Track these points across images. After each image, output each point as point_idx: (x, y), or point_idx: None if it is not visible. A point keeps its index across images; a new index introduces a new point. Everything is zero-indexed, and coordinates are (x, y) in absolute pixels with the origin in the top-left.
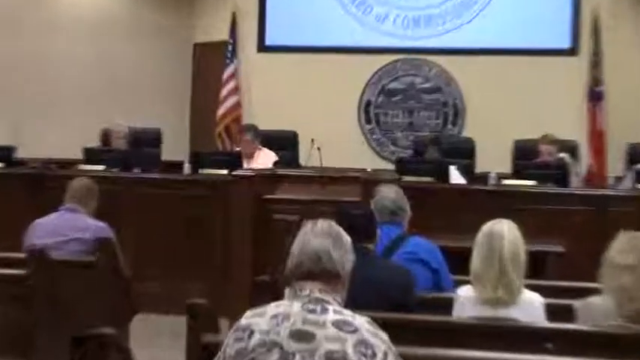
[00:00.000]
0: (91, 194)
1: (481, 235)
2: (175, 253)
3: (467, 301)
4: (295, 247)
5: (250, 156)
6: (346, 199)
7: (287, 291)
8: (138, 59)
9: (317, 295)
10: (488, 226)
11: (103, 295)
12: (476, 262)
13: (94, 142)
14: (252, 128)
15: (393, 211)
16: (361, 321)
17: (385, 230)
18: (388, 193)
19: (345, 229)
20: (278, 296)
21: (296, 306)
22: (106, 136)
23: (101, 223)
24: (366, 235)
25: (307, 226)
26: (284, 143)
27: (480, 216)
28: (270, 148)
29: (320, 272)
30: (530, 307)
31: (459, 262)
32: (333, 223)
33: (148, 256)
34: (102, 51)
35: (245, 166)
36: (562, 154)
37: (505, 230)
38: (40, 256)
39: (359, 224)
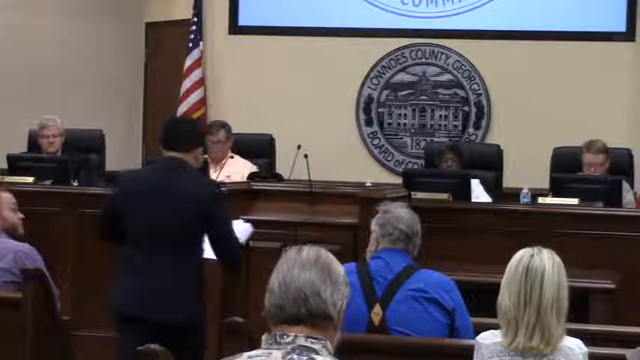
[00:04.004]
0: (2, 205)
1: (514, 268)
2: None
3: (490, 350)
4: (274, 283)
5: (219, 161)
6: (339, 220)
7: (265, 336)
8: (74, 42)
9: (302, 342)
10: (524, 258)
11: (31, 344)
12: (506, 302)
13: (21, 147)
14: (224, 125)
15: (408, 235)
16: None
17: (386, 259)
18: (402, 215)
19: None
20: (253, 342)
21: (276, 356)
22: (35, 139)
23: (24, 245)
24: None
25: (290, 255)
26: (257, 150)
27: (509, 243)
28: (242, 157)
29: (307, 315)
30: (569, 357)
31: (482, 301)
32: (322, 250)
33: (90, 295)
34: (28, 32)
35: (212, 176)
36: None
37: (547, 266)
38: None
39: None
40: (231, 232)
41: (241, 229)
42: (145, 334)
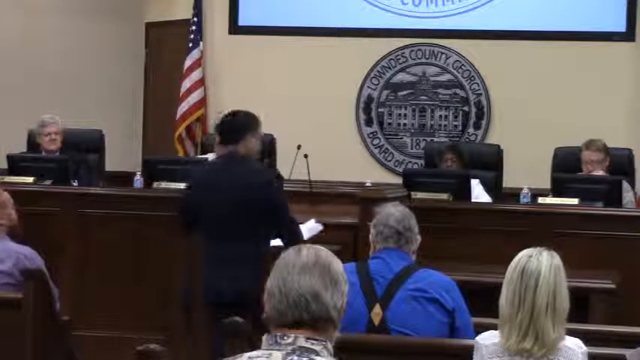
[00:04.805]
0: (4, 206)
1: (511, 269)
2: (126, 290)
3: (489, 351)
4: (274, 286)
5: None
6: (339, 220)
7: (265, 337)
8: (75, 42)
9: (303, 343)
10: (522, 260)
11: (31, 344)
12: (503, 302)
13: (21, 147)
14: None
15: (399, 231)
16: None
17: (386, 259)
18: (392, 212)
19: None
20: (254, 343)
21: (276, 357)
22: (34, 139)
23: (26, 249)
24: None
25: (289, 256)
26: None
27: (509, 243)
28: None
29: (308, 320)
30: (569, 356)
31: (482, 301)
32: (321, 249)
33: (90, 294)
34: (28, 32)
35: None
36: None
37: (544, 266)
38: None
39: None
40: (288, 213)
41: (309, 226)
42: (223, 314)
